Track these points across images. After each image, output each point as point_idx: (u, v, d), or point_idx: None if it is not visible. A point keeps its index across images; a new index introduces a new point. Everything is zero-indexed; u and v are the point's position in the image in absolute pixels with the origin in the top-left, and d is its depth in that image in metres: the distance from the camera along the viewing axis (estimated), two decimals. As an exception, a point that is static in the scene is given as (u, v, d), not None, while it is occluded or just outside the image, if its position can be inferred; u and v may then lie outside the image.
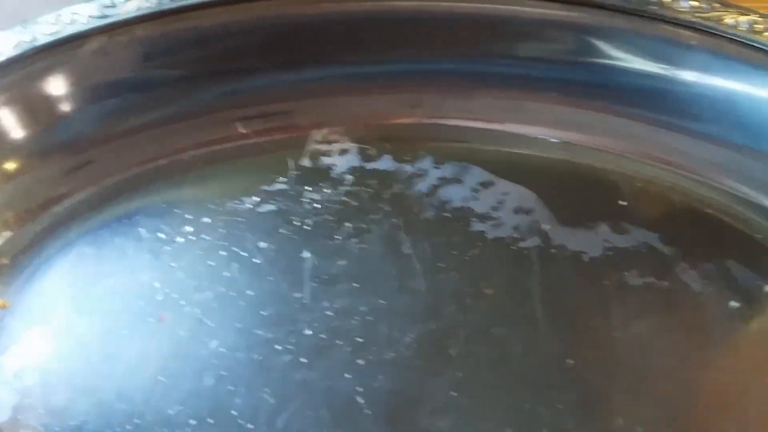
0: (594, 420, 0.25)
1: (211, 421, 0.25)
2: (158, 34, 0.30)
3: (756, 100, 0.29)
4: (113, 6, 0.29)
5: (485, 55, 0.32)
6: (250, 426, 0.25)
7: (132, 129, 0.30)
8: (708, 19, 0.29)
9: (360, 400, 0.26)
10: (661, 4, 0.29)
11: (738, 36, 0.28)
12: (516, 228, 0.30)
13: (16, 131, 0.28)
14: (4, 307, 0.27)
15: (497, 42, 0.33)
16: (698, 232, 0.30)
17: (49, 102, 0.29)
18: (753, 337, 0.27)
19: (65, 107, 0.29)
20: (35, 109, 0.28)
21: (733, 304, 0.28)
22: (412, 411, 0.26)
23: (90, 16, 0.29)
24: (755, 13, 0.29)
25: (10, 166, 0.28)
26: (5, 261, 0.27)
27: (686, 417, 0.26)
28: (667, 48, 0.31)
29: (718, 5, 0.29)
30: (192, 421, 0.25)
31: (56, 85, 0.29)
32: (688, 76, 0.30)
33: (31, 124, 0.28)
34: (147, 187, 0.30)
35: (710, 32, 0.29)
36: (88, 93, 0.29)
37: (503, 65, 0.33)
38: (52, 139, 0.29)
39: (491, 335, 0.27)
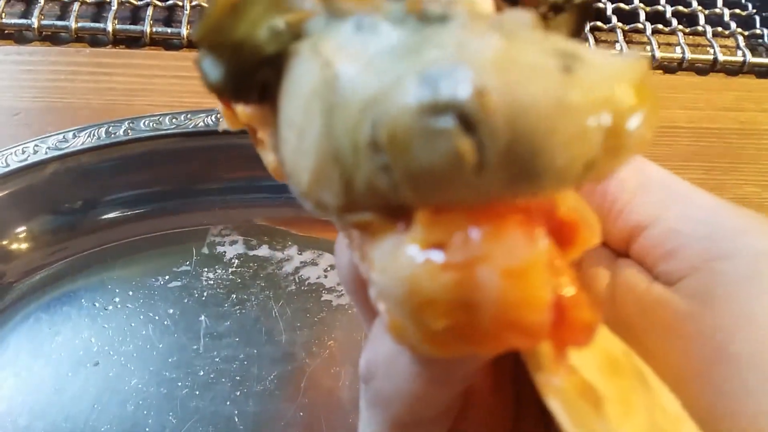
0: None
1: (130, 435, 0.37)
2: (96, 161, 0.42)
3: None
4: (66, 141, 0.41)
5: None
6: (158, 438, 0.37)
7: (75, 227, 0.42)
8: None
9: (236, 419, 0.38)
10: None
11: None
12: (352, 298, 0.43)
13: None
14: (-20, 357, 0.38)
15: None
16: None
17: (18, 210, 0.40)
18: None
19: (29, 215, 0.41)
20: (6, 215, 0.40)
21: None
22: (271, 427, 0.38)
23: (48, 148, 0.41)
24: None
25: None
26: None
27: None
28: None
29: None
30: (117, 435, 0.37)
31: (23, 199, 0.40)
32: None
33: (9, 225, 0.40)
34: (88, 269, 0.42)
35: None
36: (47, 204, 0.41)
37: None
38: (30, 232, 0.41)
39: (330, 373, 0.40)
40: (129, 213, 0.43)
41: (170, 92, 0.51)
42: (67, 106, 0.49)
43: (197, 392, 0.38)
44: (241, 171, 0.44)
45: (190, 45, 0.55)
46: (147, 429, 0.37)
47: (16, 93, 0.49)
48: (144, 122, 0.42)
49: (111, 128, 0.42)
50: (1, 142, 0.43)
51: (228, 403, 0.38)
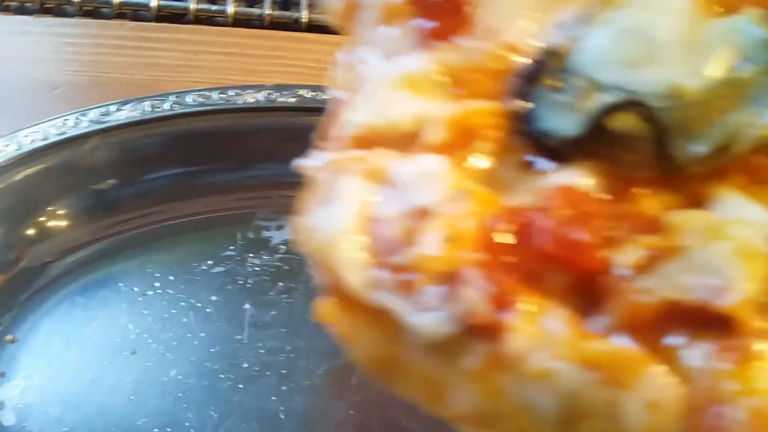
0: None
1: (169, 430, 0.34)
2: (139, 137, 0.39)
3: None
4: (108, 114, 0.39)
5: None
6: (198, 434, 0.34)
7: (115, 206, 0.39)
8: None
9: (282, 416, 0.35)
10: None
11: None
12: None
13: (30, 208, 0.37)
14: (13, 341, 0.36)
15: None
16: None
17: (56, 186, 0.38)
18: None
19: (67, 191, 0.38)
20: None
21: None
22: (320, 425, 0.35)
23: (89, 121, 0.39)
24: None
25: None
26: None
27: None
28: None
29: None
30: (155, 430, 0.34)
31: (61, 175, 0.38)
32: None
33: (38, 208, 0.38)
34: (126, 251, 0.39)
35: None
36: (86, 181, 0.38)
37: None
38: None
39: (383, 370, 0.37)
40: (170, 193, 0.40)
41: (218, 69, 0.48)
42: (109, 80, 0.47)
43: (241, 386, 0.35)
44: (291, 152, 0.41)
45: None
46: (186, 424, 0.34)
47: (57, 66, 0.47)
48: (191, 97, 0.40)
49: (156, 102, 0.39)
50: (40, 118, 0.41)
51: (274, 398, 0.35)
